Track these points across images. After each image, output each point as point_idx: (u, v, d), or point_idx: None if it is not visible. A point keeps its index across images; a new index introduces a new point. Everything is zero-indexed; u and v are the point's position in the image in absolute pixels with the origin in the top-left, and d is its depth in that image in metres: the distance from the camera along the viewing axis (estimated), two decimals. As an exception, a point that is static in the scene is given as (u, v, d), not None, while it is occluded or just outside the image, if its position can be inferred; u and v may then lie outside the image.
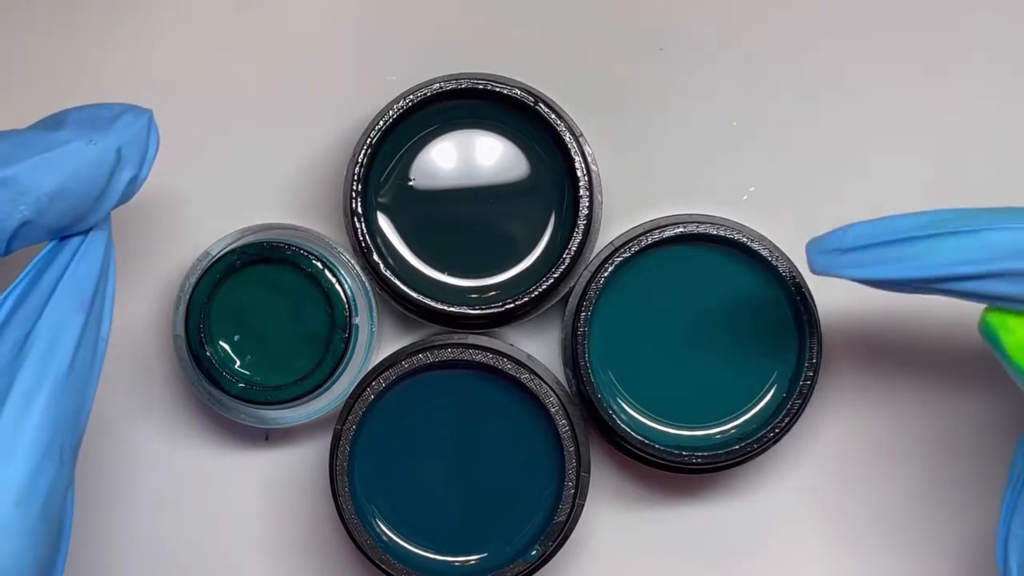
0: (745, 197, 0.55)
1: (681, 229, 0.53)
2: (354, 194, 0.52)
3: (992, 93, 0.55)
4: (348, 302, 0.52)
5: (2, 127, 0.51)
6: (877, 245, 0.46)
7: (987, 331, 0.45)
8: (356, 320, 0.52)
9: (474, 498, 0.53)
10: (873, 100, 0.55)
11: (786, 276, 0.52)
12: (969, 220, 0.45)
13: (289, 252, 0.52)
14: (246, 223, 0.55)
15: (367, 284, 0.53)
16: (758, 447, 0.52)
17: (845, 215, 0.48)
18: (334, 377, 0.52)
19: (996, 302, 0.45)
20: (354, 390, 0.53)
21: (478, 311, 0.53)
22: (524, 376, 0.52)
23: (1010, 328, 0.44)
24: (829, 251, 0.47)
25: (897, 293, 0.47)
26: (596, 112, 0.55)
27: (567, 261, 0.53)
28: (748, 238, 0.52)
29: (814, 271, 0.47)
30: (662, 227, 0.53)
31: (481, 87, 0.53)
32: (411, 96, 0.53)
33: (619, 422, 0.52)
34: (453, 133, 0.54)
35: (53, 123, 0.46)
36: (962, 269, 0.45)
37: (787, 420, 0.52)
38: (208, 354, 0.52)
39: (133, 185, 0.46)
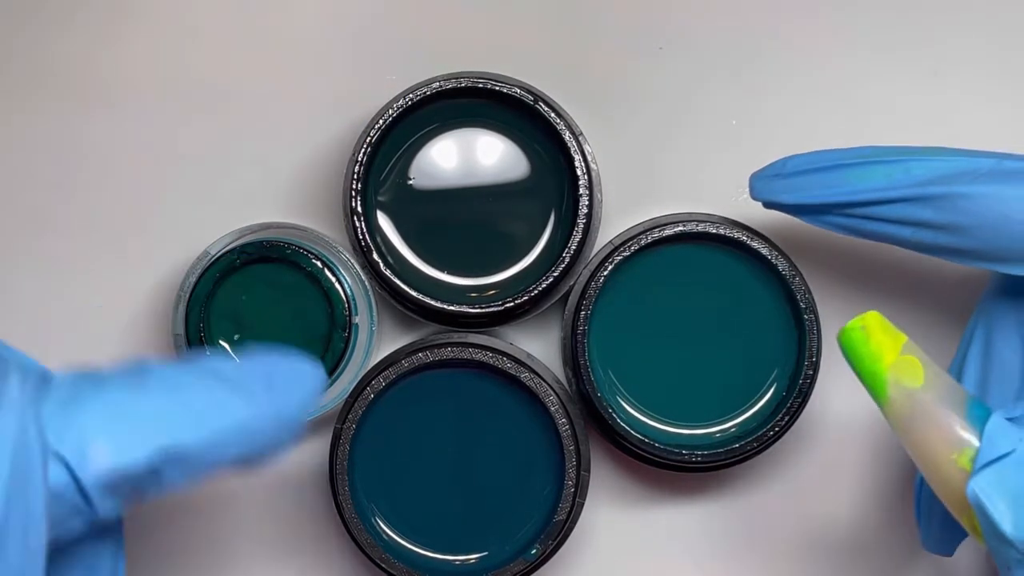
0: (745, 196, 0.55)
1: (681, 228, 0.53)
2: (354, 193, 0.52)
3: (995, 93, 0.55)
4: (348, 301, 0.52)
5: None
6: (812, 171, 0.50)
7: (844, 355, 0.45)
8: (356, 319, 0.52)
9: (474, 497, 0.53)
10: (873, 99, 0.55)
11: (786, 274, 0.52)
12: (896, 153, 0.49)
13: (289, 251, 0.52)
14: (246, 222, 0.55)
15: (367, 283, 0.53)
16: (758, 446, 0.52)
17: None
18: (334, 376, 0.52)
19: (917, 230, 0.48)
20: (354, 389, 0.53)
21: (478, 310, 0.53)
22: (524, 375, 0.52)
23: (860, 357, 0.45)
24: (770, 177, 0.50)
25: (832, 231, 0.50)
26: (596, 111, 0.55)
27: (567, 260, 0.52)
28: (747, 236, 0.52)
29: (754, 197, 0.51)
30: (662, 226, 0.53)
31: (481, 86, 0.53)
32: (411, 95, 0.53)
33: (619, 421, 0.52)
34: (453, 132, 0.54)
35: (250, 377, 0.42)
36: (887, 193, 0.48)
37: (787, 419, 0.52)
38: (208, 353, 0.52)
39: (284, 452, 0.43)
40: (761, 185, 0.51)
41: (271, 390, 0.42)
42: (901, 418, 0.44)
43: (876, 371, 0.44)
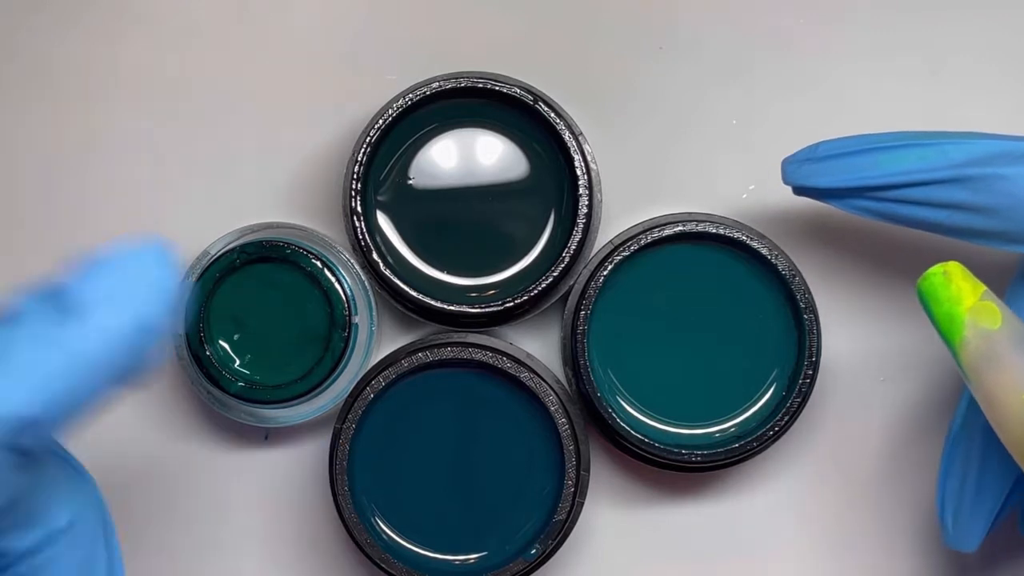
0: (745, 196, 0.55)
1: (680, 227, 0.53)
2: (353, 193, 0.52)
3: (995, 92, 0.55)
4: (348, 301, 0.52)
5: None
6: (844, 155, 0.50)
7: (920, 301, 0.46)
8: (355, 319, 0.52)
9: (474, 497, 0.53)
10: (874, 99, 0.55)
11: (786, 274, 0.52)
12: (929, 136, 0.49)
13: (289, 251, 0.52)
14: (246, 222, 0.55)
15: (366, 283, 0.53)
16: (758, 445, 0.52)
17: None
18: (334, 376, 0.52)
19: (951, 213, 0.48)
20: (354, 389, 0.53)
21: (478, 310, 0.53)
22: (524, 375, 0.52)
23: (939, 300, 0.46)
24: (801, 161, 0.50)
25: (862, 217, 0.50)
26: (596, 111, 0.55)
27: (567, 260, 0.52)
28: (748, 236, 0.52)
29: (786, 182, 0.51)
30: (661, 225, 0.53)
31: (480, 86, 0.53)
32: (410, 95, 0.53)
33: (619, 421, 0.52)
34: (452, 132, 0.54)
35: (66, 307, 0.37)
36: (922, 176, 0.48)
37: (786, 419, 0.52)
38: (208, 353, 0.52)
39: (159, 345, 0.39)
40: (792, 169, 0.51)
41: (112, 303, 0.37)
42: (975, 358, 0.45)
43: (955, 313, 0.45)
